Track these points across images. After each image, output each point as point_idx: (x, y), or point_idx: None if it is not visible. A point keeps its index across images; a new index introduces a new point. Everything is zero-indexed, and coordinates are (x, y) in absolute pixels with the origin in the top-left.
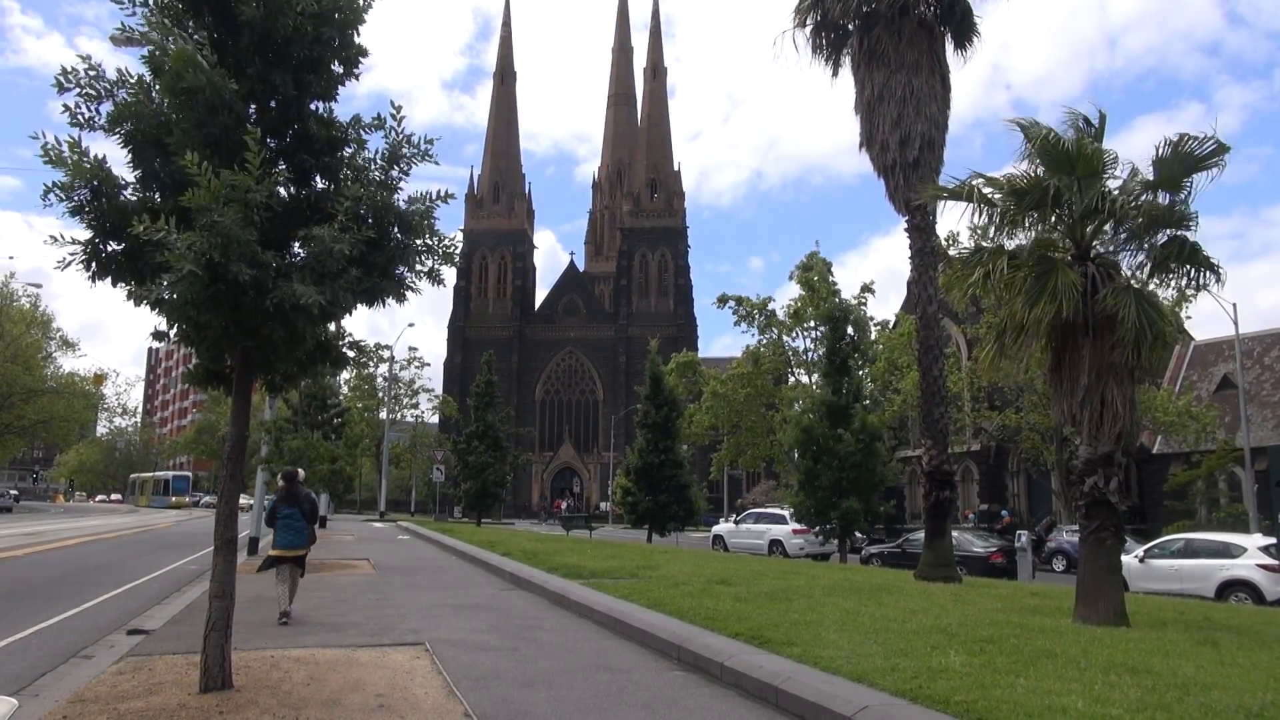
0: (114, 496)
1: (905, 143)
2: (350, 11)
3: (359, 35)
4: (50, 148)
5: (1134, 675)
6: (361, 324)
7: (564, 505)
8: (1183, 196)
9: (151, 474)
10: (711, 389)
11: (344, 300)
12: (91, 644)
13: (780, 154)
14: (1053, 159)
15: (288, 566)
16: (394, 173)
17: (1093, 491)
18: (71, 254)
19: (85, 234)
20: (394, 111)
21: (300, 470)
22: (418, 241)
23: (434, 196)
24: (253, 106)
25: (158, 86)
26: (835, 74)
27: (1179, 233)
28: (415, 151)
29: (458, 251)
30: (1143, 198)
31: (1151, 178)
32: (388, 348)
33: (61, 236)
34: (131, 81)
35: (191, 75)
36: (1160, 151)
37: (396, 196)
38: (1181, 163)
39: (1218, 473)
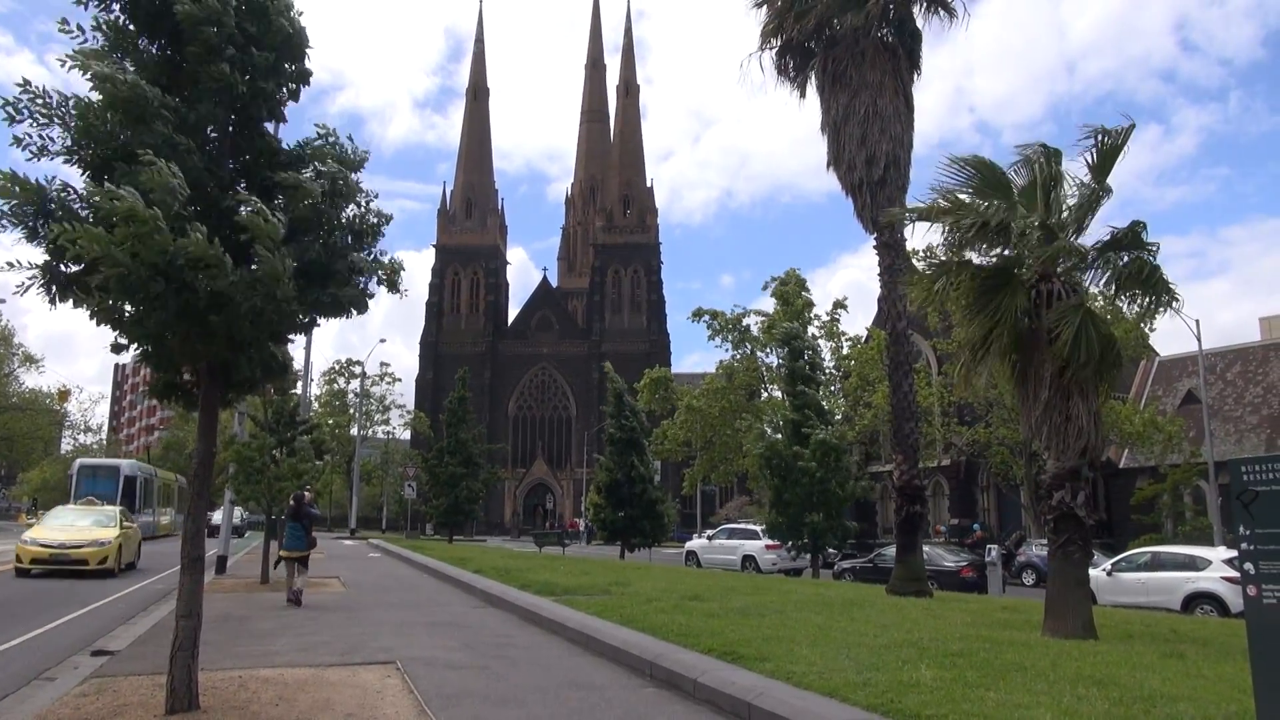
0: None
1: (871, 162)
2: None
3: (295, 29)
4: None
5: (1101, 688)
6: (332, 339)
7: (581, 525)
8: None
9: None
10: (686, 403)
11: (289, 307)
12: (54, 665)
13: (750, 173)
14: (1001, 191)
15: (293, 564)
16: (350, 178)
17: (1060, 506)
18: (30, 278)
19: (43, 257)
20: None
21: (308, 493)
22: (365, 255)
23: (380, 214)
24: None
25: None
26: (802, 95)
27: (1142, 255)
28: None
29: (402, 268)
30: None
31: (1087, 179)
32: (359, 363)
33: (19, 262)
34: (83, 104)
35: (115, 88)
36: (1090, 158)
37: (348, 210)
38: (1108, 156)
39: (1183, 487)
